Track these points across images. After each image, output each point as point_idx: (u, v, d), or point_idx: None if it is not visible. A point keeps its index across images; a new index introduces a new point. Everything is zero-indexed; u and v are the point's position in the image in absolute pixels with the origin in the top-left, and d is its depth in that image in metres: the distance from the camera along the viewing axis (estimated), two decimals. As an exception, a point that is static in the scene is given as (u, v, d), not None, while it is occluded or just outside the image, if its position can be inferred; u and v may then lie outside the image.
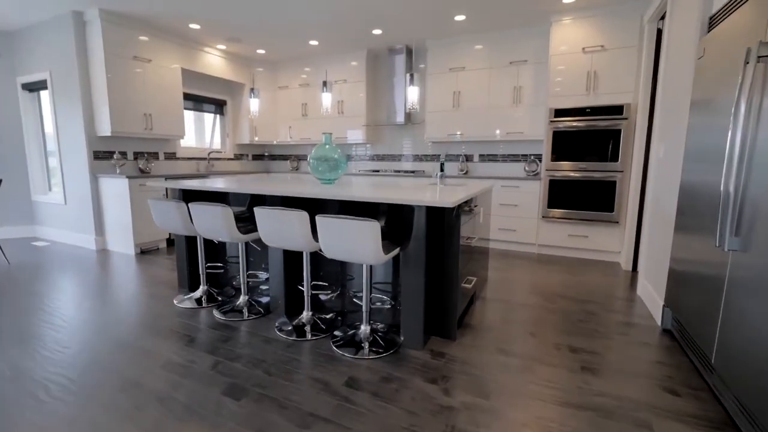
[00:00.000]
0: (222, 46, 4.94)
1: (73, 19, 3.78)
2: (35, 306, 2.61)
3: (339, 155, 2.89)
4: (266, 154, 6.46)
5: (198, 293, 2.75)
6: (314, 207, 2.52)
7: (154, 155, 4.65)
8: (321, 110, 5.46)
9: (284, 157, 6.34)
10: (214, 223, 2.25)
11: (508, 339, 2.18)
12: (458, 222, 2.08)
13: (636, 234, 3.51)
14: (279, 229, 2.03)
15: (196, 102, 5.26)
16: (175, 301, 2.68)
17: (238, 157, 5.92)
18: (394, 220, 2.32)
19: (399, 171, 5.05)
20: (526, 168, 4.49)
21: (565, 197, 3.90)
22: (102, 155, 4.10)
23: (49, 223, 4.60)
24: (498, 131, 4.40)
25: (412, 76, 2.62)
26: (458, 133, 4.60)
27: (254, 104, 3.15)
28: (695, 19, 2.15)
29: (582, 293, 2.93)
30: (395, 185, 2.74)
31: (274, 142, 5.94)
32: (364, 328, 2.14)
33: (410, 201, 1.87)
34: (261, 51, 5.13)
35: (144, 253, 4.08)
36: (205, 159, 5.34)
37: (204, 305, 2.65)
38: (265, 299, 2.71)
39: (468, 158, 4.92)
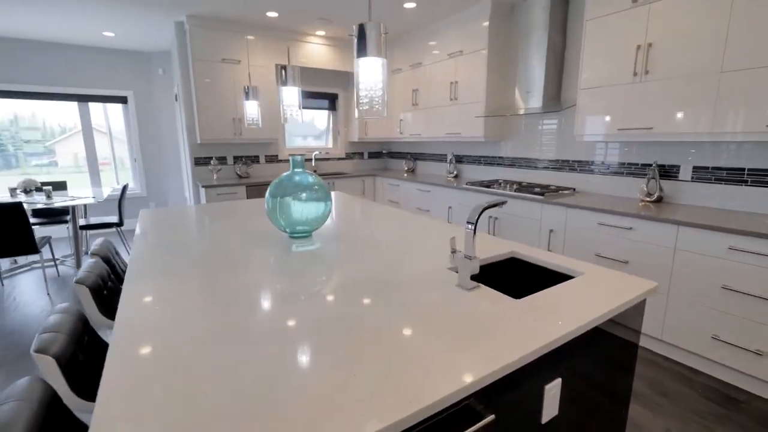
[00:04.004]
0: (321, 32, 4.28)
1: (176, 30, 3.87)
2: None
3: (317, 188, 1.69)
4: (384, 151, 5.61)
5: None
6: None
7: (255, 159, 4.55)
8: (431, 97, 4.11)
9: (401, 155, 5.32)
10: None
11: None
12: None
13: None
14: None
15: (303, 99, 4.88)
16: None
17: (349, 156, 5.31)
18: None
19: (529, 187, 3.18)
20: (827, 206, 1.88)
21: None
22: (202, 161, 4.22)
23: (192, 217, 5.29)
24: (740, 121, 1.98)
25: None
26: (642, 125, 2.38)
27: (251, 106, 2.27)
28: None
29: None
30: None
31: (385, 139, 4.99)
32: None
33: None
34: (362, 29, 4.18)
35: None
36: (309, 160, 4.97)
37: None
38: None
39: (667, 172, 2.57)
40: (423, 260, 1.40)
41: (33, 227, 4.67)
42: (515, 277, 1.53)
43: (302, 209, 1.67)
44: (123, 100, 5.11)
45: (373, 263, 1.37)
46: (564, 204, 2.63)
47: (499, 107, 3.60)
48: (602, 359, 1.08)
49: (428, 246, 1.58)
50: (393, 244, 1.61)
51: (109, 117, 5.23)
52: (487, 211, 3.26)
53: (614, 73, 2.49)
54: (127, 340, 0.86)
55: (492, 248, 1.55)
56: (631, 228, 2.27)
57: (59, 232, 4.98)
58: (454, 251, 1.17)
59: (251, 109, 2.23)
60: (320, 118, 5.19)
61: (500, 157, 3.83)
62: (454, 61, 3.76)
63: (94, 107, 5.05)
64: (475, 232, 1.11)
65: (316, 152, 4.99)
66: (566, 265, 1.34)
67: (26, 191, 3.66)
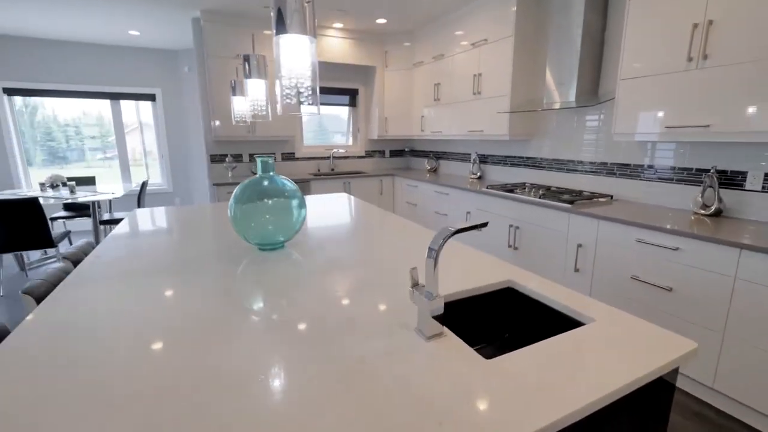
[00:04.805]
0: (338, 25, 4.08)
1: (193, 27, 3.84)
2: None
3: (288, 195, 1.49)
4: (406, 149, 5.33)
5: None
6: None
7: (271, 156, 4.45)
8: (454, 91, 3.79)
9: (424, 154, 5.02)
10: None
11: None
12: None
13: None
14: None
15: (322, 95, 4.72)
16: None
17: (369, 154, 5.09)
18: None
19: (557, 193, 2.80)
20: None
21: None
22: (218, 159, 4.19)
23: (213, 213, 5.34)
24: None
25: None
26: (697, 123, 1.94)
27: (238, 103, 2.04)
28: None
29: None
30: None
31: (407, 137, 4.72)
32: None
33: None
34: (381, 21, 3.93)
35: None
36: (326, 158, 4.81)
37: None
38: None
39: (730, 179, 2.10)
40: (396, 288, 1.15)
41: (63, 221, 4.91)
42: (510, 314, 1.24)
43: (270, 219, 1.47)
44: (152, 97, 5.24)
45: (334, 289, 1.14)
46: (594, 215, 2.24)
47: (527, 101, 3.21)
48: (614, 412, 0.78)
49: (421, 268, 1.32)
50: (372, 263, 1.37)
51: (140, 114, 5.40)
52: (506, 218, 2.91)
53: (663, 59, 2.06)
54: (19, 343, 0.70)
55: (485, 274, 1.26)
56: (677, 248, 1.86)
57: (88, 225, 5.21)
58: (415, 285, 0.91)
59: (239, 106, 2.07)
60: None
61: (528, 158, 3.43)
62: (477, 51, 3.41)
63: (126, 105, 5.22)
64: (436, 263, 0.84)
65: (334, 150, 4.83)
66: (574, 305, 1.04)
67: (53, 186, 3.81)
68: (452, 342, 0.86)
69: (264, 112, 1.66)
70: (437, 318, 0.89)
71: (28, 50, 4.54)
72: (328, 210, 2.34)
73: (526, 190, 2.96)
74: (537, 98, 3.20)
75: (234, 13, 3.68)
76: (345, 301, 1.06)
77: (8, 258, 4.00)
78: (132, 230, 1.88)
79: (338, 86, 4.74)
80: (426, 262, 0.85)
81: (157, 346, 0.84)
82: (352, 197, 2.76)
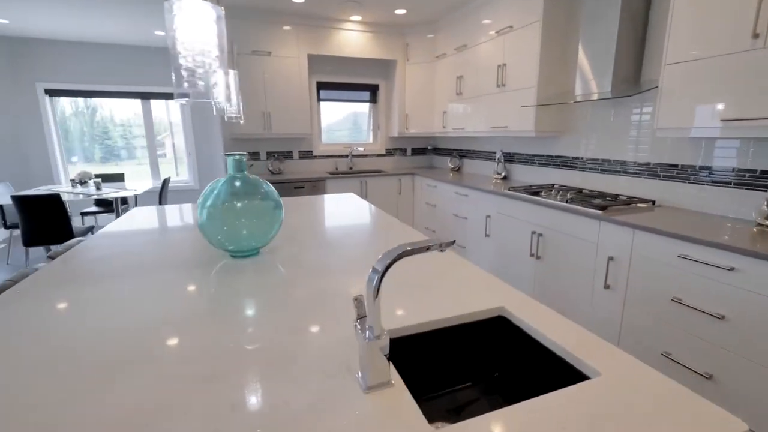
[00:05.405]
0: (356, 17, 3.92)
1: (212, 23, 3.83)
2: None
3: (262, 197, 1.35)
4: (429, 147, 5.08)
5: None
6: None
7: (288, 154, 4.40)
8: (477, 84, 3.51)
9: (448, 152, 4.75)
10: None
11: None
12: None
13: None
14: None
15: (341, 91, 4.59)
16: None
17: (390, 152, 4.90)
18: None
19: (589, 197, 2.48)
20: None
21: None
22: (236, 157, 4.18)
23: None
24: None
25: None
26: (762, 114, 1.58)
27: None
28: None
29: None
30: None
31: (428, 134, 4.48)
32: None
33: None
34: (400, 11, 3.72)
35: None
36: (345, 156, 4.68)
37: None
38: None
39: (803, 184, 1.71)
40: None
41: (95, 216, 5.14)
42: (502, 349, 1.01)
43: (244, 222, 1.34)
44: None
45: (292, 310, 0.97)
46: (628, 224, 1.92)
47: (555, 94, 2.88)
48: None
49: (401, 286, 1.13)
50: (351, 278, 1.19)
51: (170, 113, 5.55)
52: (530, 224, 2.62)
53: (719, 38, 1.70)
54: None
55: (477, 297, 1.04)
56: (733, 268, 1.52)
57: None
58: (360, 317, 0.72)
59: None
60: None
61: (558, 157, 3.09)
62: (502, 39, 3.12)
63: (156, 104, 5.39)
64: (377, 291, 0.65)
65: (353, 149, 4.69)
66: (577, 350, 0.80)
67: (81, 182, 3.97)
68: (398, 396, 0.66)
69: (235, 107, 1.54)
70: (387, 357, 0.69)
71: (66, 53, 4.78)
72: (325, 212, 2.18)
73: (553, 192, 2.64)
74: (567, 90, 2.86)
75: (248, 8, 3.63)
76: (296, 328, 0.89)
77: (38, 248, 4.22)
78: (119, 230, 1.82)
79: (358, 82, 4.59)
80: (366, 288, 0.66)
81: (48, 371, 0.71)
82: (357, 197, 2.59)
